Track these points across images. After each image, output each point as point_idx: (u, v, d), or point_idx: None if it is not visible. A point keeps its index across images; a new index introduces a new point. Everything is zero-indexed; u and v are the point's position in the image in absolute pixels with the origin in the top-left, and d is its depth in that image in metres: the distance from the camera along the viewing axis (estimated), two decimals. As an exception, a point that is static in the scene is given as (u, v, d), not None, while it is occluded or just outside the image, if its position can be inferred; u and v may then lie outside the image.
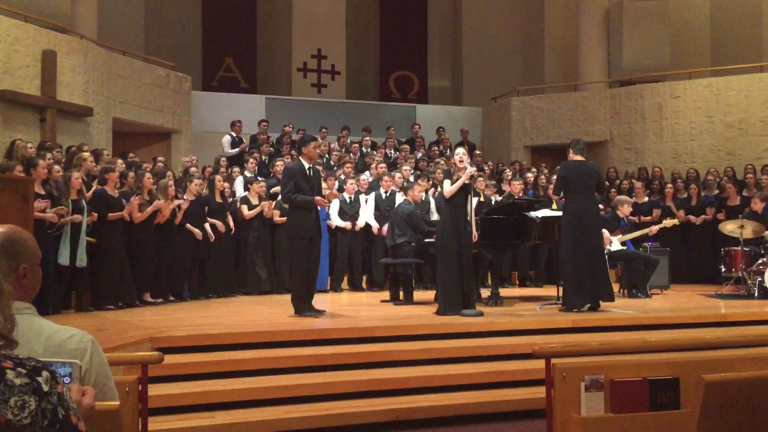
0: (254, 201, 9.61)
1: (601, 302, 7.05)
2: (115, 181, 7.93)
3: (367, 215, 10.10)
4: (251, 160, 10.82)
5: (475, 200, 7.90)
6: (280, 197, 9.70)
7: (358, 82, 17.98)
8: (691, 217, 10.94)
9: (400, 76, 17.96)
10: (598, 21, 15.46)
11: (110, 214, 7.63)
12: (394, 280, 8.49)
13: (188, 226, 8.67)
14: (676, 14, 15.76)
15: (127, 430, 2.58)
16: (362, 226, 10.09)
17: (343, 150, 12.61)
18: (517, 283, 11.00)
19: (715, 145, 13.51)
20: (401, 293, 8.29)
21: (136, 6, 15.26)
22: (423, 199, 9.49)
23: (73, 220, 7.26)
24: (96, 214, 7.53)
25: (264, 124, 13.06)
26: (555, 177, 8.81)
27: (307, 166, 6.92)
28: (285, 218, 9.01)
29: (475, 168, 7.58)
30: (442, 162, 11.25)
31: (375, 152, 12.41)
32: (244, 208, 9.54)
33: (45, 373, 1.30)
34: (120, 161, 9.40)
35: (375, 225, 10.01)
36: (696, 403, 2.65)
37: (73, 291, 7.75)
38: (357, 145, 12.91)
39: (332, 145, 12.62)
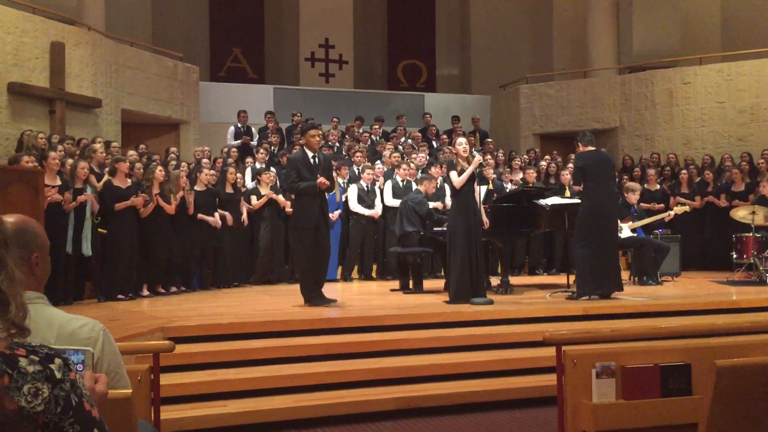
0: (263, 191, 9.61)
1: (612, 291, 7.03)
2: (125, 172, 7.96)
3: (386, 200, 10.06)
4: (261, 150, 10.83)
5: (483, 188, 7.88)
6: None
7: (366, 71, 17.93)
8: (715, 201, 10.86)
9: (408, 65, 17.90)
10: (608, 6, 15.32)
11: (117, 204, 7.65)
12: (404, 268, 8.49)
13: (201, 215, 8.70)
14: (686, -1, 15.63)
15: (140, 418, 2.60)
16: (380, 213, 10.08)
17: (351, 140, 12.59)
18: (527, 271, 10.98)
19: (726, 131, 13.41)
20: (411, 282, 8.30)
21: (144, -3, 15.26)
22: (438, 186, 9.47)
23: (80, 201, 7.31)
24: (98, 206, 7.55)
25: (269, 116, 13.06)
26: (570, 166, 8.75)
27: (310, 154, 6.89)
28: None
29: (481, 156, 7.57)
30: (448, 151, 11.21)
31: (387, 142, 12.40)
32: (253, 199, 9.55)
33: (58, 361, 1.30)
34: (132, 152, 9.44)
35: (395, 203, 9.90)
36: (708, 389, 2.63)
37: (86, 281, 7.82)
38: (367, 134, 12.89)
39: (335, 135, 12.59)
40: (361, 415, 4.71)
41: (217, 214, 8.90)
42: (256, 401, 4.69)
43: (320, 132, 7.32)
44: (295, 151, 10.50)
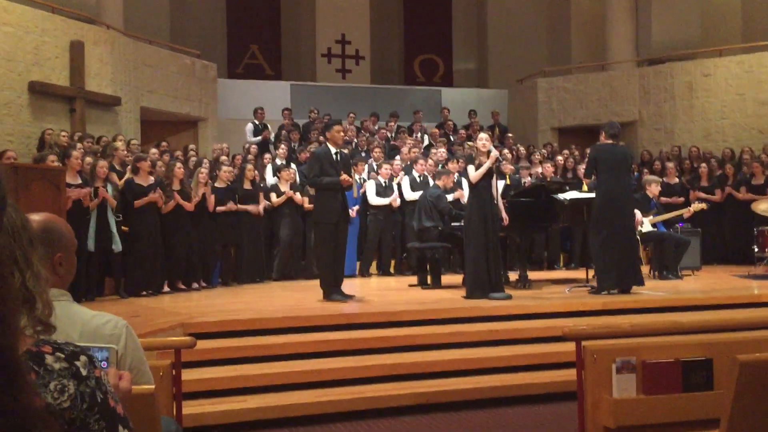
0: (283, 188, 9.67)
1: (631, 286, 6.98)
2: (147, 170, 8.03)
3: (405, 194, 10.06)
4: (282, 146, 10.87)
5: (501, 183, 7.85)
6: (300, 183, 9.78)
7: (383, 67, 17.90)
8: (736, 193, 10.72)
9: (424, 60, 17.84)
10: (626, -2, 15.16)
11: (136, 201, 7.75)
12: (422, 264, 8.49)
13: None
14: (706, -10, 15.42)
15: (162, 414, 2.63)
16: (399, 203, 10.09)
17: (368, 135, 12.59)
18: (546, 265, 10.93)
19: (746, 123, 13.24)
20: (429, 277, 8.30)
21: (161, -5, 15.34)
22: (455, 181, 9.47)
23: (102, 196, 7.40)
24: (114, 202, 7.63)
25: (286, 112, 13.08)
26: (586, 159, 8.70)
27: (333, 150, 6.92)
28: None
29: (498, 152, 7.53)
30: (469, 146, 11.17)
31: (407, 136, 12.38)
32: (273, 196, 9.61)
33: (83, 358, 1.32)
34: (153, 150, 9.53)
35: (414, 196, 9.92)
36: (730, 384, 2.61)
37: (107, 277, 7.91)
38: (385, 130, 12.89)
39: (352, 131, 12.60)
40: (380, 410, 4.73)
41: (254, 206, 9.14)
42: (277, 396, 4.73)
43: (344, 128, 7.36)
44: (313, 146, 10.56)
